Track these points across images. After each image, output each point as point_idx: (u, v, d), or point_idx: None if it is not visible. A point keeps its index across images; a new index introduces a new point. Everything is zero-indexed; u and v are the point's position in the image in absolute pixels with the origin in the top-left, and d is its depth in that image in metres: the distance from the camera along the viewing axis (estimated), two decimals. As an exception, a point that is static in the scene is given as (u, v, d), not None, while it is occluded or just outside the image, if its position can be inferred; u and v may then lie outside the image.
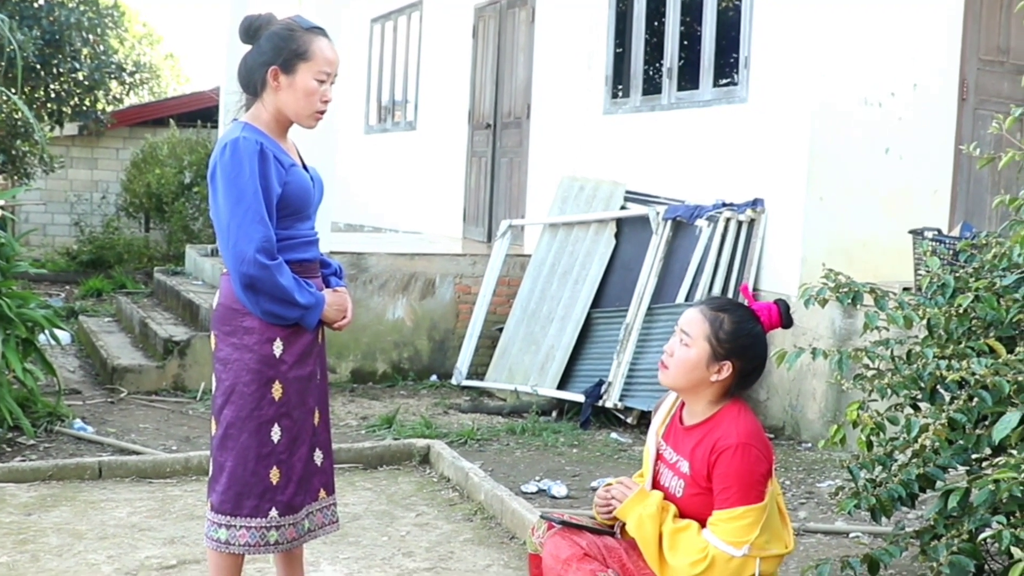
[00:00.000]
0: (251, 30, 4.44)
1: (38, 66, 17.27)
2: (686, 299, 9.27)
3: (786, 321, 4.16)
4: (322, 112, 4.45)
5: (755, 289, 9.29)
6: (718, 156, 9.88)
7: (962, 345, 4.62)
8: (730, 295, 9.22)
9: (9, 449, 7.82)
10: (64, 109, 18.59)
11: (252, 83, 4.44)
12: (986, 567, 4.84)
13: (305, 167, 4.56)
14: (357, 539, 6.16)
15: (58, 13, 17.37)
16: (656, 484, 4.25)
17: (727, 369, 4.04)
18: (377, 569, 5.71)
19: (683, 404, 4.23)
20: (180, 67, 34.06)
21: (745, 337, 4.07)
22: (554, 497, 7.13)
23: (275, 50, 4.36)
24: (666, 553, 3.95)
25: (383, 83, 17.24)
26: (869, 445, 4.77)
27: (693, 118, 10.26)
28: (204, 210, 17.83)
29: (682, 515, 4.06)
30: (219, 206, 4.27)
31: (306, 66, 4.35)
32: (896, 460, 4.79)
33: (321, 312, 4.43)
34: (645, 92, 11.02)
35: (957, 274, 4.93)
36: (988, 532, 3.89)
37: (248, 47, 4.47)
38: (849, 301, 5.00)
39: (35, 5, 17.69)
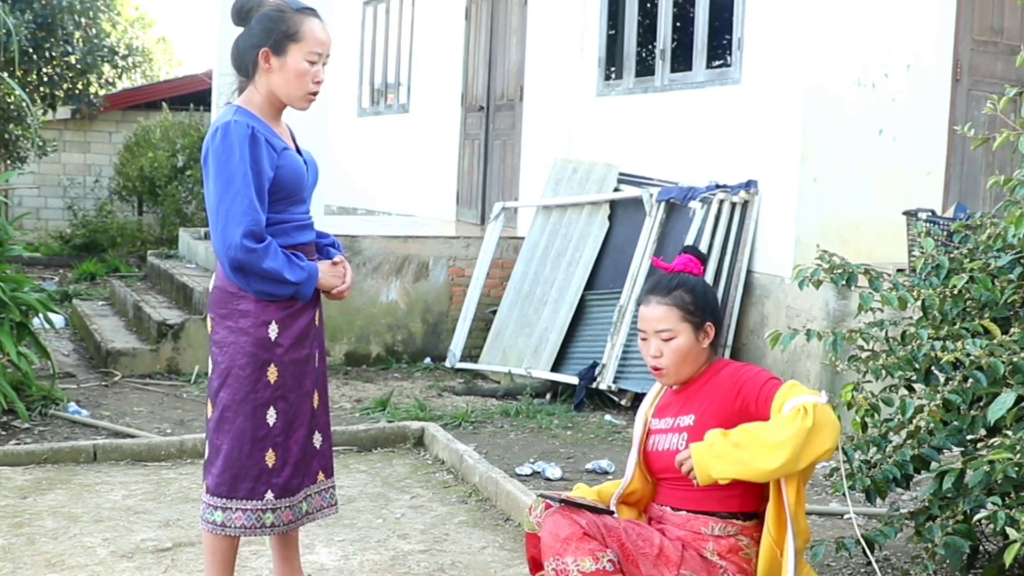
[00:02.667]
0: (242, 12, 4.44)
1: (31, 50, 17.20)
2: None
3: (702, 256, 4.41)
4: (314, 93, 4.44)
5: (749, 271, 9.30)
6: (712, 138, 9.87)
7: (957, 326, 4.62)
8: (724, 277, 9.23)
9: (4, 432, 7.82)
10: (57, 93, 18.53)
11: (244, 66, 4.45)
12: (981, 548, 4.85)
13: (299, 150, 4.56)
14: (352, 521, 6.16)
15: (50, -3, 17.33)
16: (647, 461, 4.28)
17: (711, 329, 4.23)
18: (372, 551, 5.72)
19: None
20: (172, 50, 33.90)
21: (703, 294, 4.27)
22: (548, 479, 7.14)
23: (265, 32, 4.36)
24: (767, 441, 3.86)
25: (376, 66, 17.21)
26: (864, 426, 4.78)
27: (686, 100, 10.25)
28: (197, 193, 17.80)
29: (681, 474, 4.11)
30: (210, 190, 4.28)
31: (297, 47, 4.35)
32: (891, 441, 4.80)
33: (315, 283, 4.45)
34: (638, 74, 11.00)
35: (951, 255, 4.94)
36: (983, 513, 3.90)
37: (240, 30, 4.47)
38: (843, 282, 5.00)
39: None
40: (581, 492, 4.47)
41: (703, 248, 9.23)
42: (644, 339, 4.23)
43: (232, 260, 4.23)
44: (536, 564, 4.30)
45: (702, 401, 4.14)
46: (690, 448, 4.03)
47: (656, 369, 4.21)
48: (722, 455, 3.92)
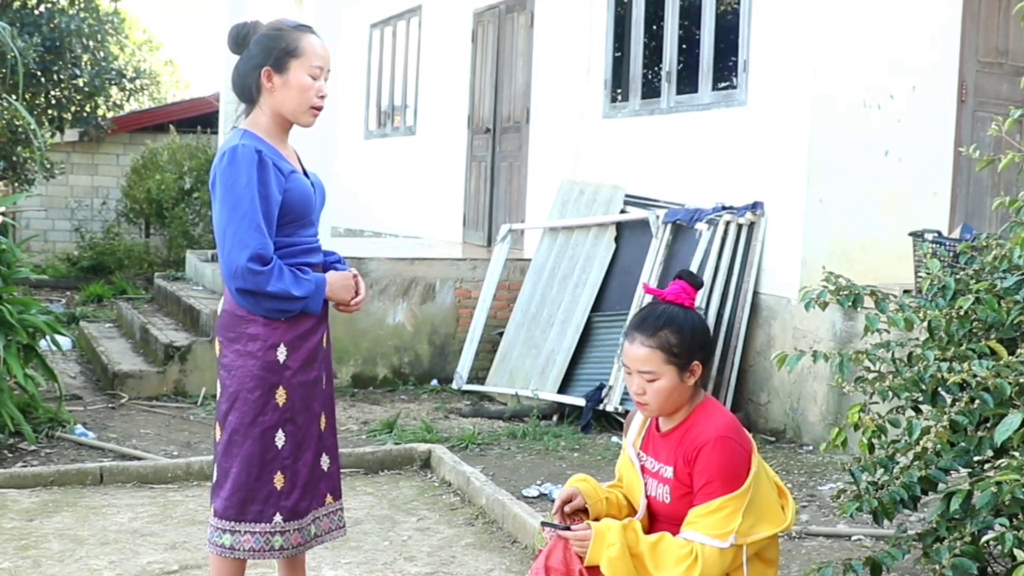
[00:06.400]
0: (239, 38, 4.45)
1: (39, 73, 17.28)
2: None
3: (697, 283, 4.17)
4: (319, 108, 4.45)
5: (755, 292, 9.29)
6: (718, 159, 9.88)
7: (963, 347, 4.62)
8: (730, 298, 9.23)
9: (11, 455, 7.82)
10: (65, 115, 18.61)
11: (247, 89, 4.44)
12: (989, 569, 4.84)
13: (306, 173, 4.56)
14: (359, 544, 6.16)
15: (59, 20, 17.42)
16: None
17: (698, 368, 4.06)
18: (379, 574, 5.71)
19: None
20: (180, 73, 34.12)
21: (691, 333, 4.07)
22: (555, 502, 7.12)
23: (265, 52, 4.36)
24: (652, 572, 3.88)
25: (382, 88, 17.24)
26: (871, 447, 4.77)
27: (692, 121, 10.26)
28: (204, 216, 17.85)
29: (672, 520, 4.03)
30: (217, 214, 4.28)
31: (297, 63, 4.35)
32: (898, 462, 4.79)
33: (323, 294, 4.43)
34: (644, 96, 11.02)
35: (958, 276, 4.93)
36: (991, 534, 3.89)
37: (238, 57, 4.48)
38: (850, 304, 4.99)
39: (36, 12, 17.74)
40: (585, 484, 4.40)
41: (709, 269, 9.24)
42: (628, 374, 4.11)
43: (239, 284, 4.23)
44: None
45: (679, 455, 4.02)
46: (592, 529, 3.99)
47: (640, 404, 4.15)
48: (615, 567, 3.88)
